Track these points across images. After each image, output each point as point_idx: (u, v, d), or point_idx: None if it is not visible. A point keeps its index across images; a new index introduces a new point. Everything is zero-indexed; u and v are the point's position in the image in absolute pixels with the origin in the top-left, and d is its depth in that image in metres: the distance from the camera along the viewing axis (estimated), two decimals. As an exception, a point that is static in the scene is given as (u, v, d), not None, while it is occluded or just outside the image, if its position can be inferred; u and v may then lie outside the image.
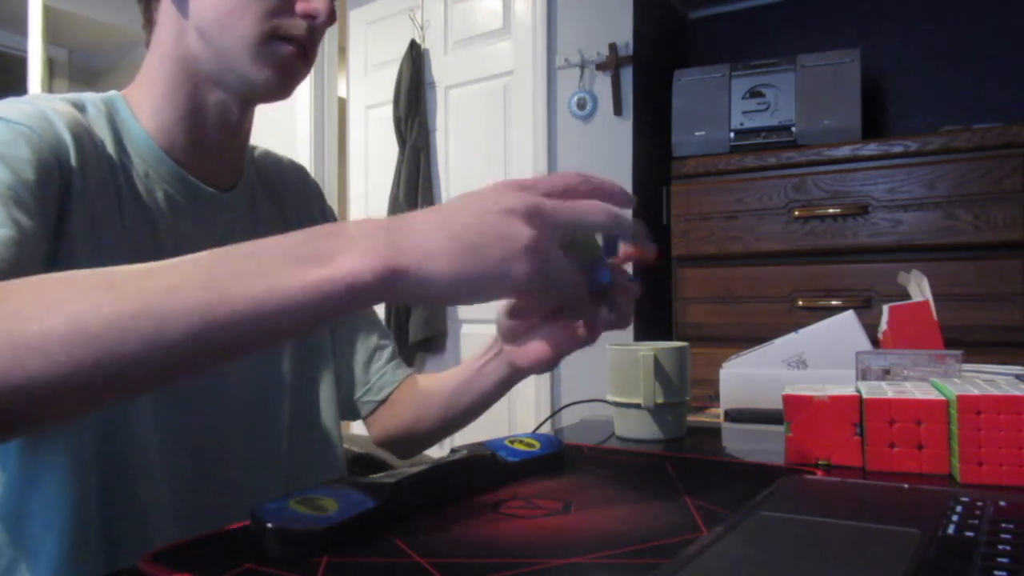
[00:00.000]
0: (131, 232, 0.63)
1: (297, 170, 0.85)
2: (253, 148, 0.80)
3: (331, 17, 0.66)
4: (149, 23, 0.69)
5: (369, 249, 0.42)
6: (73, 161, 0.59)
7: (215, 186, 0.71)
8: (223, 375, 0.69)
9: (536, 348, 0.55)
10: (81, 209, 0.59)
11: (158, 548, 0.44)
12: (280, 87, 0.67)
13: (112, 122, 0.66)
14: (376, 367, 0.85)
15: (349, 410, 0.85)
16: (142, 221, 0.65)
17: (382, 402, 0.84)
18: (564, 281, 0.46)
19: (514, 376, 0.72)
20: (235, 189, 0.74)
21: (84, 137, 0.61)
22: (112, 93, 0.69)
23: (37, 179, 0.56)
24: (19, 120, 0.57)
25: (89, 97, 0.67)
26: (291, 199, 0.81)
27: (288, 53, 0.65)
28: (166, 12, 0.67)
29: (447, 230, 0.43)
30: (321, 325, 0.59)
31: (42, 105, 0.60)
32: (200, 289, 0.39)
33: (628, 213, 0.51)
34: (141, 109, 0.67)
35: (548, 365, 0.55)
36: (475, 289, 0.44)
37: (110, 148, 0.64)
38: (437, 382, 0.81)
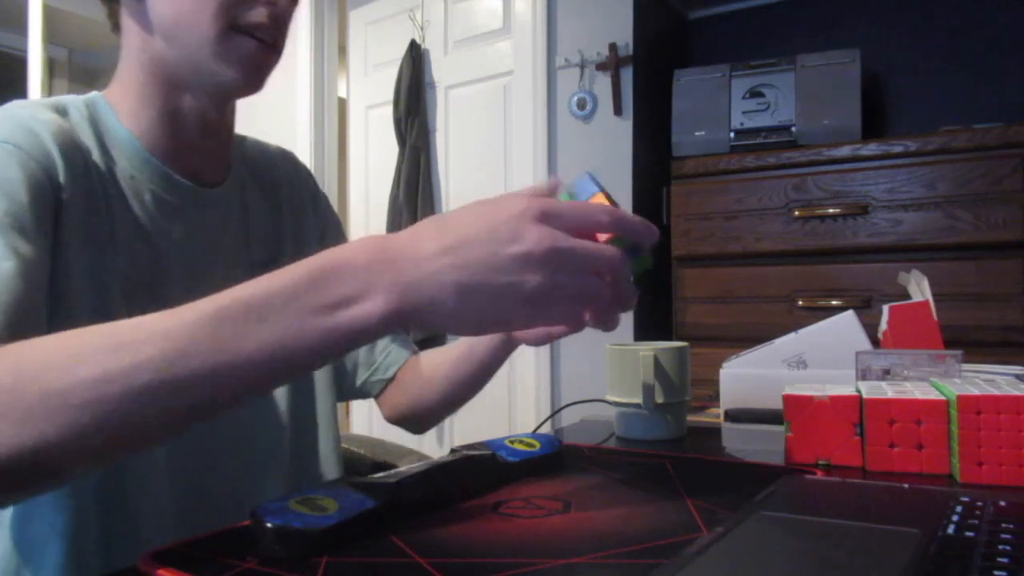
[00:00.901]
0: (123, 240, 0.63)
1: (285, 156, 0.84)
2: (243, 138, 0.79)
3: (292, 0, 0.65)
4: (116, 27, 0.68)
5: (378, 292, 0.42)
6: (62, 176, 0.58)
7: (203, 182, 0.70)
8: None
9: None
10: (73, 224, 0.58)
11: (158, 548, 0.44)
12: (249, 82, 0.66)
13: (95, 125, 0.64)
14: (381, 346, 0.86)
15: (360, 392, 0.86)
16: (133, 227, 0.64)
17: (390, 380, 0.85)
18: (564, 315, 0.46)
19: (511, 344, 0.74)
20: (224, 184, 0.72)
21: (71, 147, 0.60)
22: (94, 94, 0.67)
23: (31, 199, 0.55)
24: (6, 138, 0.56)
25: (70, 100, 0.65)
26: (282, 186, 0.81)
27: (251, 48, 0.64)
28: (129, 17, 0.65)
29: (457, 271, 0.42)
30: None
31: (25, 118, 0.58)
32: (211, 351, 0.40)
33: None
34: (121, 110, 0.66)
35: (544, 341, 0.56)
36: (480, 328, 0.46)
37: (95, 154, 0.63)
38: (437, 357, 0.83)
